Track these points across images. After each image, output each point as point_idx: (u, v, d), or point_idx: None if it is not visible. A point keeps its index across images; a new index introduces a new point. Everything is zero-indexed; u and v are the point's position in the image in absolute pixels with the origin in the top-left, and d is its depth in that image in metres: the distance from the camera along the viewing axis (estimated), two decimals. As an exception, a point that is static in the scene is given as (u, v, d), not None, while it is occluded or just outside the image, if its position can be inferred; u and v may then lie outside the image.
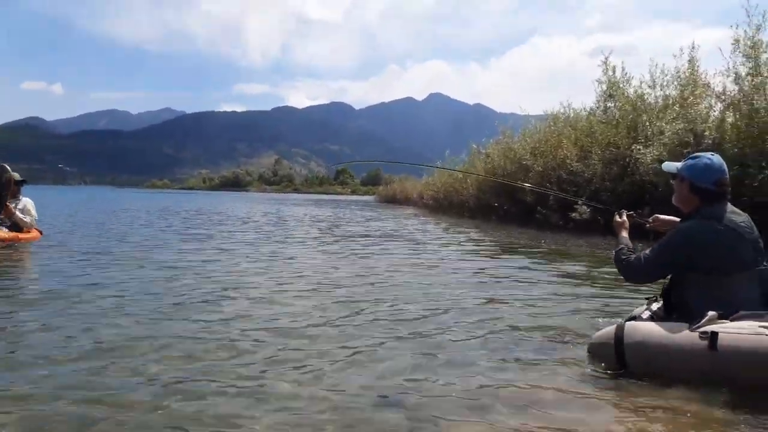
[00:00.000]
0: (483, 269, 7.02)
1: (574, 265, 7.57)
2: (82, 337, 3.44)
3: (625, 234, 3.31)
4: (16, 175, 8.83)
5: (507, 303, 4.80)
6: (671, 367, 2.66)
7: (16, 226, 8.58)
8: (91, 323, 3.75)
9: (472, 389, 2.70)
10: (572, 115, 17.04)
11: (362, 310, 4.39)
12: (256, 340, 3.44)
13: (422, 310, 4.45)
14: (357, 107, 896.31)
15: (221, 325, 3.80)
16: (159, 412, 2.35)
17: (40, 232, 9.26)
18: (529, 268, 7.18)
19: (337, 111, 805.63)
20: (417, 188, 34.45)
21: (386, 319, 4.09)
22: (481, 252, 9.20)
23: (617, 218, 3.44)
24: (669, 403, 2.46)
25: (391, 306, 4.58)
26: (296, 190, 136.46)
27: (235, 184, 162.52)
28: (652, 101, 13.73)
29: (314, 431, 2.22)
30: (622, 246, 3.19)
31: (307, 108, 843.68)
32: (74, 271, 6.03)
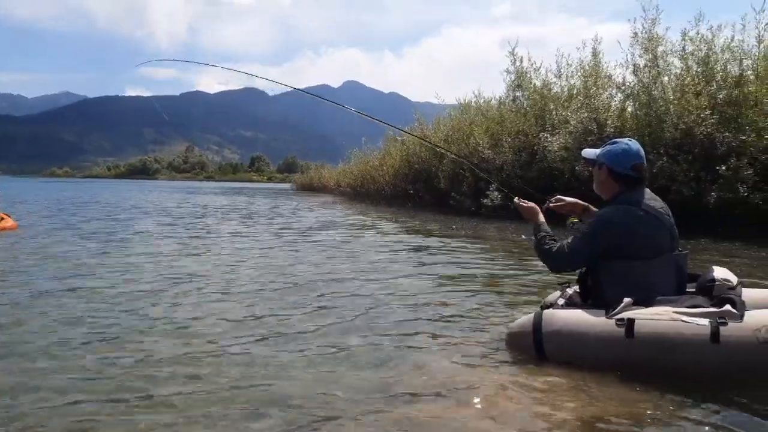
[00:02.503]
0: (396, 255, 7.04)
1: (486, 249, 7.75)
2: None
3: (542, 219, 3.22)
4: None
5: (419, 288, 4.82)
6: (589, 355, 2.66)
7: None
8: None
9: (384, 379, 2.66)
10: (483, 103, 17.43)
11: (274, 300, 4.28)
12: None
13: (334, 298, 4.40)
14: (271, 93, 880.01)
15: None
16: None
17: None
18: (442, 253, 7.27)
19: (251, 97, 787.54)
20: (334, 176, 34.32)
21: (285, 312, 4.00)
22: (395, 239, 9.24)
23: (522, 203, 3.34)
24: (586, 389, 2.47)
25: (299, 298, 4.49)
26: (209, 178, 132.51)
27: (142, 172, 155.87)
28: (558, 91, 14.25)
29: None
30: (543, 234, 3.12)
31: (219, 93, 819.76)
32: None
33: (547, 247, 3.04)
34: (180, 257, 6.66)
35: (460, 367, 2.83)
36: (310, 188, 41.37)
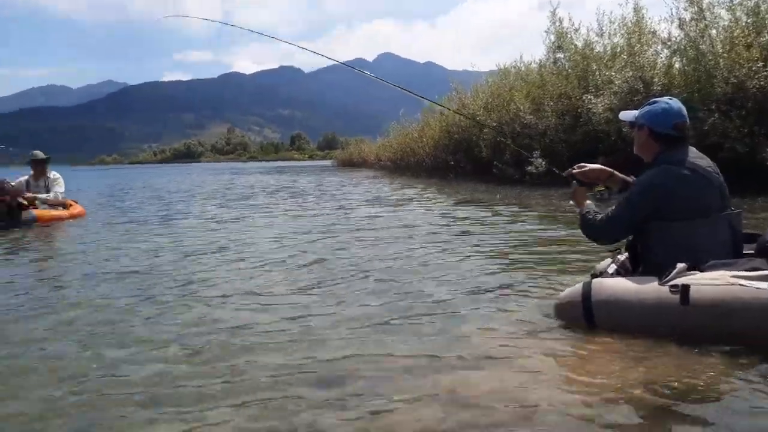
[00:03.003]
0: (442, 225, 7.03)
1: (531, 217, 7.64)
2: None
3: (588, 201, 3.17)
4: (40, 154, 9.21)
5: (469, 259, 4.81)
6: (642, 323, 2.59)
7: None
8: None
9: (434, 348, 2.66)
10: (523, 68, 17.06)
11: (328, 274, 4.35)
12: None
13: (386, 270, 4.42)
14: (307, 70, 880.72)
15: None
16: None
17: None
18: (487, 223, 7.22)
19: (287, 75, 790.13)
20: (373, 150, 34.31)
21: (346, 280, 4.05)
22: (439, 210, 9.20)
23: (574, 188, 3.24)
24: (640, 356, 2.42)
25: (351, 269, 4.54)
26: (252, 158, 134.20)
27: (187, 156, 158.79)
28: (601, 50, 13.82)
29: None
30: (587, 210, 3.07)
31: (256, 73, 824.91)
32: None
33: (590, 218, 3.00)
34: (245, 236, 6.81)
35: (508, 336, 2.80)
36: (351, 164, 41.45)
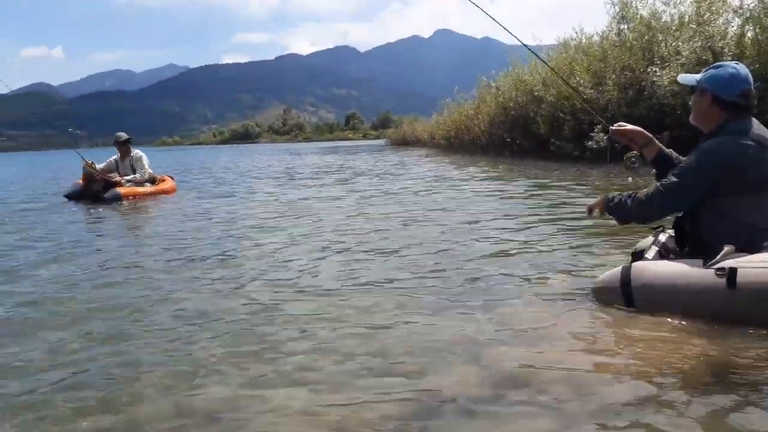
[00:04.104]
0: (493, 204, 6.90)
1: (589, 194, 7.39)
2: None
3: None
4: (122, 135, 9.69)
5: (519, 237, 4.75)
6: (685, 308, 2.46)
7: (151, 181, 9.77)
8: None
9: (474, 326, 2.65)
10: (584, 40, 16.45)
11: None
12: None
13: (433, 250, 4.38)
14: (362, 50, 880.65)
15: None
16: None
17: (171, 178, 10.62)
18: (541, 201, 7.03)
19: (343, 55, 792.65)
20: (427, 129, 34.00)
21: (398, 258, 4.02)
22: (492, 187, 9.03)
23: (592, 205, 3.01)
24: (681, 339, 2.31)
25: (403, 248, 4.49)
26: (307, 139, 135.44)
27: (245, 137, 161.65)
28: (667, 20, 13.16)
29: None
30: (613, 195, 2.85)
31: (312, 54, 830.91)
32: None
33: (632, 197, 2.73)
34: (319, 213, 6.92)
35: (549, 315, 2.74)
36: (404, 143, 41.28)
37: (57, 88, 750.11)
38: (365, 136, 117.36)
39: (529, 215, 6.02)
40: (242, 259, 4.44)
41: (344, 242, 4.94)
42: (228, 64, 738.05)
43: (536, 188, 8.63)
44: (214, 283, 3.69)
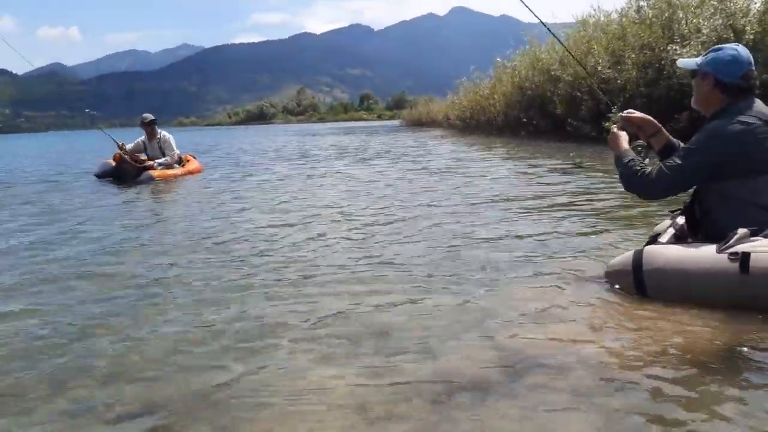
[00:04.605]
0: (509, 185, 6.85)
1: (603, 177, 7.31)
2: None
3: (626, 146, 2.84)
4: (148, 116, 9.89)
5: (532, 218, 4.75)
6: (698, 293, 2.42)
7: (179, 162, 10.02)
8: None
9: (486, 307, 2.67)
10: (602, 18, 16.16)
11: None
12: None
13: (448, 231, 4.37)
14: (376, 28, 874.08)
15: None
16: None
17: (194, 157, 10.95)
18: (555, 182, 6.97)
19: (357, 33, 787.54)
20: (442, 109, 33.77)
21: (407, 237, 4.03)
22: (509, 169, 8.97)
23: (615, 129, 2.93)
24: (692, 328, 2.28)
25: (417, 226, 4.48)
26: (321, 120, 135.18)
27: (260, 118, 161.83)
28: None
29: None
30: (630, 157, 2.75)
31: (326, 33, 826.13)
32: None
33: (638, 169, 2.67)
34: (339, 193, 7.06)
35: (562, 298, 2.74)
36: (419, 123, 41.09)
37: (73, 69, 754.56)
38: (380, 117, 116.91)
39: (545, 196, 5.99)
40: (264, 238, 4.49)
41: (362, 222, 4.97)
42: (243, 44, 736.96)
43: (553, 170, 8.56)
44: (235, 261, 3.77)
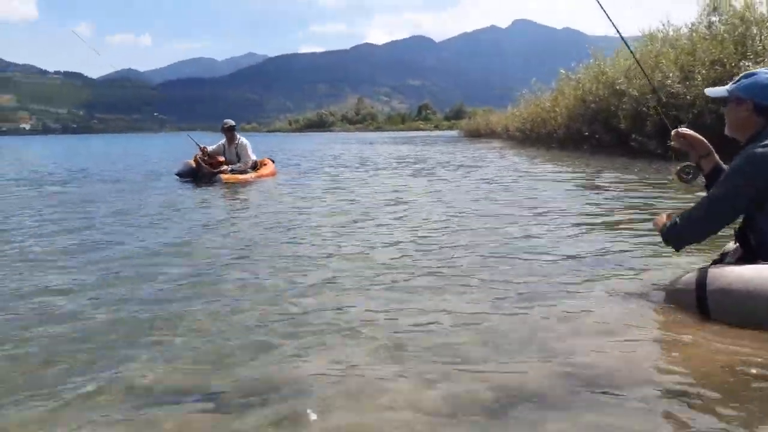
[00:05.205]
0: (571, 200, 6.80)
1: (668, 195, 7.15)
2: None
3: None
4: (229, 121, 10.58)
5: (592, 235, 4.69)
6: (763, 317, 2.33)
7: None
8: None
9: (542, 322, 2.66)
10: (671, 32, 15.78)
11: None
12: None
13: (506, 243, 4.41)
14: (438, 39, 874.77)
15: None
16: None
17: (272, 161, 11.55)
18: (618, 198, 6.88)
19: (418, 45, 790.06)
20: (502, 121, 33.54)
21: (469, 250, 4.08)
22: (570, 183, 8.89)
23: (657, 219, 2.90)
24: (758, 354, 2.20)
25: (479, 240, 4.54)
26: (379, 129, 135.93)
27: (319, 125, 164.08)
28: (763, 11, 12.45)
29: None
30: (672, 222, 2.73)
31: (387, 44, 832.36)
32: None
33: (676, 218, 2.69)
34: (402, 202, 7.17)
35: (620, 315, 2.70)
36: (478, 134, 40.85)
37: (144, 74, 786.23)
38: (437, 127, 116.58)
39: (608, 212, 5.92)
40: (327, 242, 4.62)
41: (422, 231, 5.04)
42: (305, 53, 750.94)
43: (617, 185, 8.42)
44: (298, 259, 3.91)
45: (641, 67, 4.26)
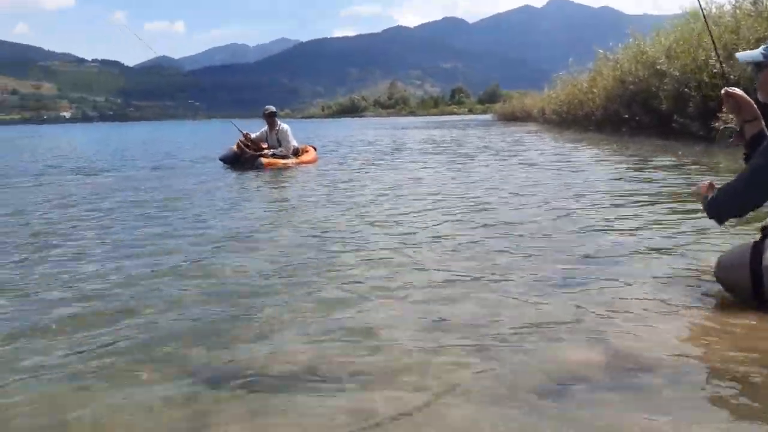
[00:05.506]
0: (614, 184, 6.74)
1: (712, 176, 7.02)
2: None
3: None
4: (270, 108, 10.84)
5: (635, 218, 4.65)
6: None
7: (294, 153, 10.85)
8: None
9: (589, 305, 2.65)
10: (714, 10, 15.32)
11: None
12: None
13: (550, 227, 4.43)
14: (471, 21, 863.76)
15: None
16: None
17: (314, 148, 11.75)
18: (661, 181, 6.78)
19: (450, 27, 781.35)
20: (537, 103, 33.09)
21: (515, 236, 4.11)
22: (612, 166, 8.78)
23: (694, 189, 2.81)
24: None
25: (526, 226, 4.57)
26: (412, 113, 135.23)
27: (351, 111, 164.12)
28: (814, -14, 12.01)
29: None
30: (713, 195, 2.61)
31: (420, 26, 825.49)
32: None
33: (717, 190, 2.56)
34: (443, 186, 7.23)
35: (668, 298, 2.68)
36: (513, 118, 40.41)
37: (179, 61, 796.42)
38: (470, 111, 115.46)
39: (651, 195, 5.84)
40: (366, 225, 4.71)
41: (463, 215, 5.08)
42: (337, 38, 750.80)
43: (658, 167, 8.30)
44: (337, 243, 4.00)
45: (711, 38, 4.05)
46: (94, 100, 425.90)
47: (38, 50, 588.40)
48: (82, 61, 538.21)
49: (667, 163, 9.00)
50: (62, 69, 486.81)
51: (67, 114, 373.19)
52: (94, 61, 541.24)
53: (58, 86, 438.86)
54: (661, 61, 15.34)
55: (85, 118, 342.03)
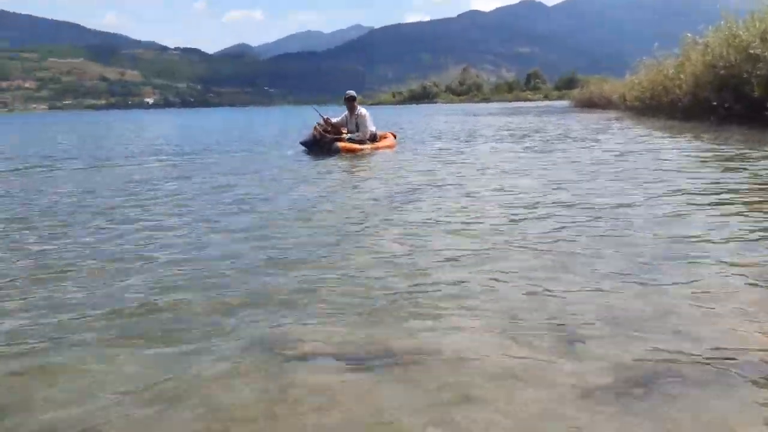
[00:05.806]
0: (701, 177, 6.43)
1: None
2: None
3: None
4: (350, 92, 11.19)
5: (726, 214, 4.42)
6: None
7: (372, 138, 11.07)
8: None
9: (669, 300, 2.60)
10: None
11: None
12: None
13: (629, 219, 4.32)
14: (550, 3, 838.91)
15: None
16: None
17: (394, 135, 12.04)
18: (754, 174, 6.42)
19: (528, 10, 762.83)
20: (618, 90, 31.83)
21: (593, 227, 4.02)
22: (699, 157, 8.38)
23: None
24: None
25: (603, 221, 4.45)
26: (485, 100, 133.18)
27: (423, 97, 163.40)
28: None
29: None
30: None
31: (495, 10, 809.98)
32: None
33: None
34: (520, 176, 7.18)
35: (752, 293, 2.60)
36: (591, 104, 39.01)
37: (256, 49, 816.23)
38: (546, 97, 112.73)
39: (744, 189, 5.55)
40: (437, 212, 4.73)
41: (539, 204, 5.02)
42: (411, 23, 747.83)
43: (754, 160, 7.85)
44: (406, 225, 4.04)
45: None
46: (176, 86, 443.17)
47: (125, 39, 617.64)
48: (164, 48, 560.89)
49: (761, 154, 8.48)
50: (146, 56, 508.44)
51: (150, 100, 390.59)
52: (176, 48, 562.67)
53: (142, 73, 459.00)
54: (755, 44, 14.45)
55: (167, 104, 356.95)
